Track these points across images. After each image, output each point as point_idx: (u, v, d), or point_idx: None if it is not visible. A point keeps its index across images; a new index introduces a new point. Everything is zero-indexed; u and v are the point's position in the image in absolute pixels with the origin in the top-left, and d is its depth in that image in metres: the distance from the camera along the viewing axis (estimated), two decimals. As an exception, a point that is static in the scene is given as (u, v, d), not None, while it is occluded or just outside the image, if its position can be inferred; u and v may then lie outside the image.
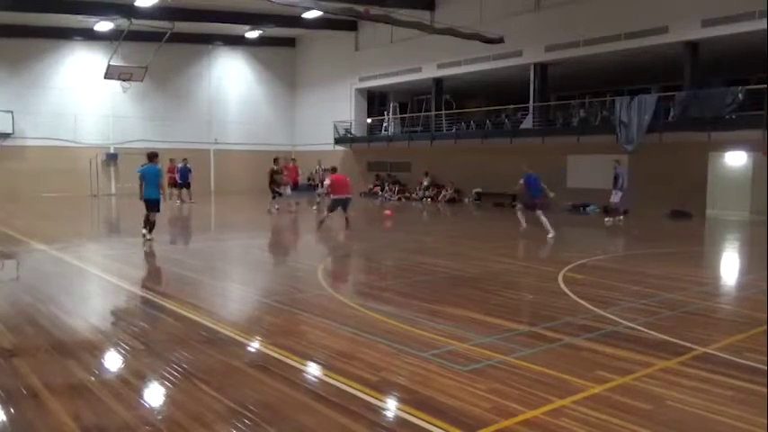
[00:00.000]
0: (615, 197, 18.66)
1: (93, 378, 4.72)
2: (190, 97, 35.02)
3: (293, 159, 24.05)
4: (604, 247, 14.14)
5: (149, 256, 11.62)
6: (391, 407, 4.23)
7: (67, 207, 23.92)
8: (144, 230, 12.93)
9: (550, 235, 14.17)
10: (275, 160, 20.88)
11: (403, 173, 31.69)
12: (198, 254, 11.80)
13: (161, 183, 13.28)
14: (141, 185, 12.78)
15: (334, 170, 17.14)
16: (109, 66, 26.22)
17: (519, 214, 15.83)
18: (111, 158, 32.24)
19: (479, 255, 11.57)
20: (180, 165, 25.28)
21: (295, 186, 23.26)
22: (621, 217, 18.72)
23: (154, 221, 12.96)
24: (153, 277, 9.33)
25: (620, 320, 6.49)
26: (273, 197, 20.26)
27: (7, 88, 29.80)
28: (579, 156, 23.51)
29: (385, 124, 33.08)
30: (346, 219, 15.84)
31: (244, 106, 36.55)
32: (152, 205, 12.87)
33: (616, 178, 18.56)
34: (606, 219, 18.61)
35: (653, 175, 21.44)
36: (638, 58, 23.24)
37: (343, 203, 15.97)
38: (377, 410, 4.15)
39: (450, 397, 4.31)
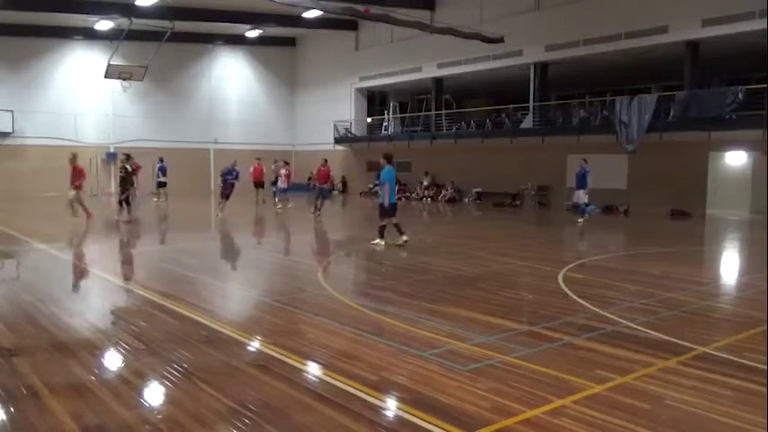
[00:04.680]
0: (584, 197, 17.84)
1: (93, 377, 4.72)
2: (190, 97, 35.03)
3: (258, 159, 24.22)
4: (605, 246, 14.13)
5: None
6: (391, 406, 4.23)
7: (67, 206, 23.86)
8: (380, 240, 12.18)
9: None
10: (127, 157, 17.75)
11: (403, 172, 31.70)
12: (197, 253, 11.79)
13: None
14: (386, 189, 11.98)
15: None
16: (109, 65, 26.22)
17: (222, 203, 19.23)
18: (112, 158, 32.26)
19: (479, 255, 11.57)
20: (158, 164, 25.76)
21: (260, 185, 23.63)
22: (582, 219, 17.70)
23: (385, 226, 12.20)
24: (153, 277, 9.33)
25: (620, 320, 6.49)
26: (121, 202, 17.12)
27: (7, 87, 29.80)
28: (579, 155, 23.52)
29: (385, 124, 33.08)
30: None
31: (244, 106, 36.56)
32: (393, 210, 12.18)
33: (583, 177, 17.71)
34: (579, 220, 17.62)
35: (653, 175, 21.46)
36: (638, 58, 23.25)
37: None
38: (377, 410, 4.15)
39: (450, 396, 4.31)
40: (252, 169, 23.41)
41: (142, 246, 13.38)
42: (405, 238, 12.20)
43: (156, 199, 25.18)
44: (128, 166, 17.14)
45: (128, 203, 16.92)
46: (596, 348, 5.50)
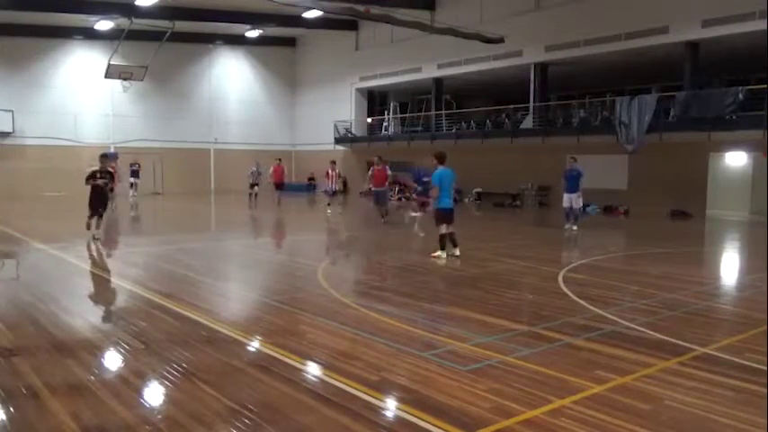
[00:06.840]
0: (579, 201, 15.97)
1: (92, 377, 4.71)
2: (190, 96, 35.05)
3: (278, 160, 24.15)
4: (605, 246, 14.13)
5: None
6: (391, 406, 4.23)
7: (67, 206, 23.89)
8: (442, 252, 10.76)
9: None
10: (92, 158, 14.47)
11: (403, 173, 31.67)
12: (197, 253, 11.78)
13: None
14: (437, 193, 10.75)
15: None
16: (109, 65, 26.25)
17: None
18: (112, 158, 32.28)
19: (479, 255, 11.56)
20: (132, 165, 26.13)
21: (280, 186, 23.48)
22: (576, 225, 15.95)
23: (444, 235, 10.82)
24: (153, 276, 9.33)
25: (620, 320, 6.49)
26: (91, 215, 12.77)
27: (7, 87, 29.83)
28: (579, 156, 23.54)
29: (385, 124, 33.10)
30: None
31: (244, 106, 36.58)
32: (449, 215, 10.86)
33: (576, 179, 15.77)
34: (571, 227, 15.87)
35: (653, 176, 21.47)
36: (639, 58, 23.26)
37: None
38: (377, 410, 4.14)
39: (449, 397, 4.31)
40: (272, 170, 23.31)
41: (143, 246, 13.37)
42: (457, 252, 10.83)
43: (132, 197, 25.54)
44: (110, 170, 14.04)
45: (100, 216, 12.91)
46: (596, 349, 5.49)
